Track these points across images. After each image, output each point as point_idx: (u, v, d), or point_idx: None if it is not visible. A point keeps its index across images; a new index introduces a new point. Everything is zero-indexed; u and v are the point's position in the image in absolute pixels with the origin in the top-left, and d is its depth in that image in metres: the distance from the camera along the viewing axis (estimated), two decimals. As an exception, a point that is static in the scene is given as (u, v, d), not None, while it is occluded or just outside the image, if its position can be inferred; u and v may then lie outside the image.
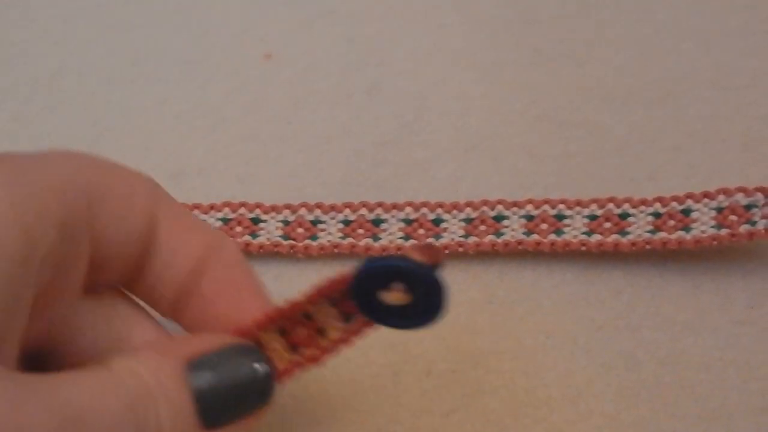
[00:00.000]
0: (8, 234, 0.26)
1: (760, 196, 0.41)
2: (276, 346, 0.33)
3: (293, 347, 0.33)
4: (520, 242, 0.42)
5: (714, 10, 0.49)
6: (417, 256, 0.31)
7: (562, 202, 0.42)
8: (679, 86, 0.47)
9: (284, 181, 0.45)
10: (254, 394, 0.31)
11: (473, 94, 0.47)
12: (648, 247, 0.41)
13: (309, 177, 0.45)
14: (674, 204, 0.42)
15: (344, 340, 0.33)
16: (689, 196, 0.41)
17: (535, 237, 0.42)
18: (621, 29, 0.49)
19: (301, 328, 0.33)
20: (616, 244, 0.41)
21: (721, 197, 0.41)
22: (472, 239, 0.42)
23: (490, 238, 0.42)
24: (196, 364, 0.30)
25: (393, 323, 0.32)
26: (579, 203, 0.42)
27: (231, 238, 0.35)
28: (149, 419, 0.28)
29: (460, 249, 0.42)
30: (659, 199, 0.42)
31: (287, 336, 0.33)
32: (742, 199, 0.41)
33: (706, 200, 0.41)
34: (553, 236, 0.42)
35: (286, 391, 0.37)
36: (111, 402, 0.27)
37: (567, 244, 0.42)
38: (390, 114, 0.47)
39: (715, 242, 0.40)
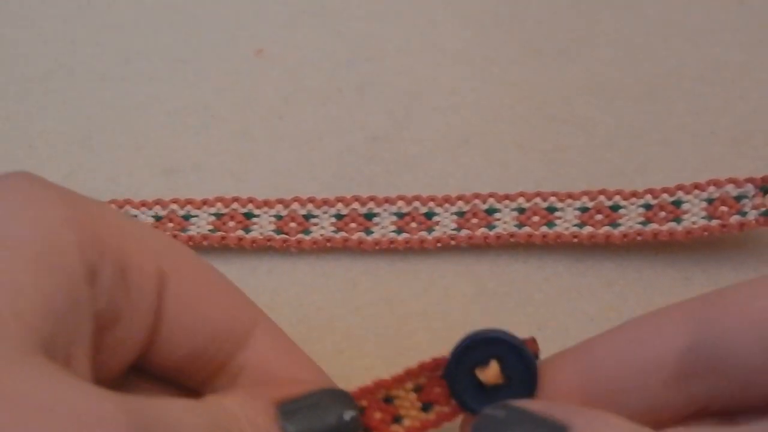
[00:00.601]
0: (71, 251, 0.28)
1: (750, 186, 0.41)
2: None
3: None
4: (512, 235, 0.42)
5: (702, 5, 0.49)
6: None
7: (554, 194, 0.43)
8: (668, 80, 0.47)
9: (276, 176, 0.45)
10: None
11: (464, 90, 0.48)
12: (639, 238, 0.41)
13: (301, 172, 0.45)
14: (665, 195, 0.42)
15: (418, 430, 0.34)
16: (680, 187, 0.42)
17: (526, 229, 0.42)
18: (610, 24, 0.49)
19: (376, 412, 0.34)
20: (608, 236, 0.41)
21: (712, 188, 0.41)
22: (464, 232, 0.42)
23: (482, 230, 0.42)
24: (286, 408, 0.30)
25: (478, 407, 0.32)
26: (570, 196, 0.42)
27: (262, 312, 0.35)
28: None
29: (452, 242, 0.42)
30: (650, 191, 0.42)
31: (362, 416, 0.34)
32: (732, 190, 0.41)
33: (696, 191, 0.41)
34: (544, 228, 0.42)
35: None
36: (197, 420, 0.27)
37: (558, 236, 0.42)
38: (381, 109, 0.47)
39: (705, 233, 0.40)
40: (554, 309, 0.41)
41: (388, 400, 0.34)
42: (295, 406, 0.30)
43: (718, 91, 0.47)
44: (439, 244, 0.42)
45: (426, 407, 0.34)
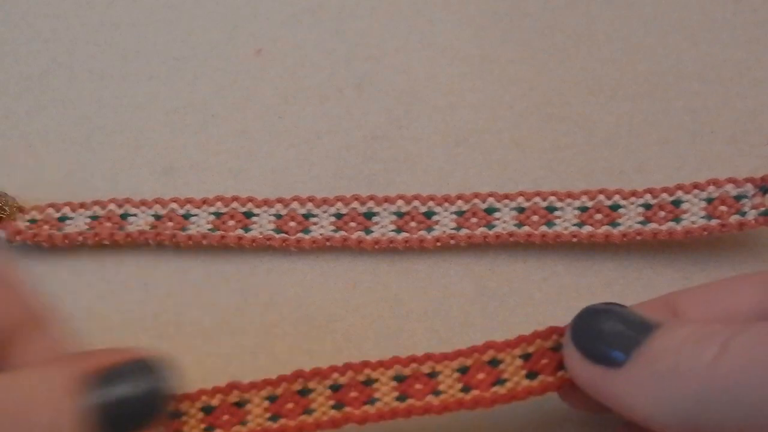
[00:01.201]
0: None
1: (749, 186, 0.41)
2: (449, 381, 0.35)
3: (467, 386, 0.35)
4: (511, 234, 0.42)
5: (700, 3, 0.49)
6: None
7: (553, 194, 0.43)
8: (666, 79, 0.47)
9: (276, 175, 0.45)
10: (146, 406, 0.32)
11: (463, 88, 0.48)
12: (639, 238, 0.41)
13: (300, 171, 0.45)
14: (664, 195, 0.42)
15: (517, 395, 0.35)
16: (679, 187, 0.42)
17: (526, 229, 0.42)
18: (609, 23, 0.49)
19: (480, 373, 0.35)
20: (607, 236, 0.41)
21: (711, 188, 0.41)
22: (463, 231, 0.42)
23: (481, 230, 0.42)
24: (92, 379, 0.31)
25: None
26: (570, 195, 0.42)
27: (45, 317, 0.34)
28: (24, 423, 0.29)
29: (452, 241, 0.42)
30: (649, 191, 0.42)
31: (465, 374, 0.35)
32: (731, 189, 0.41)
33: (696, 191, 0.41)
34: (544, 228, 0.42)
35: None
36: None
37: (558, 235, 0.42)
38: (380, 108, 0.47)
39: (705, 233, 0.40)
40: (554, 308, 0.41)
41: (493, 363, 0.35)
42: (102, 378, 0.31)
43: (717, 89, 0.47)
44: (438, 244, 0.42)
45: (531, 375, 0.35)
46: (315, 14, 0.50)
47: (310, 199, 0.43)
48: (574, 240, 0.42)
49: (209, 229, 0.43)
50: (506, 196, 0.43)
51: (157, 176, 0.45)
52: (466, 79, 0.48)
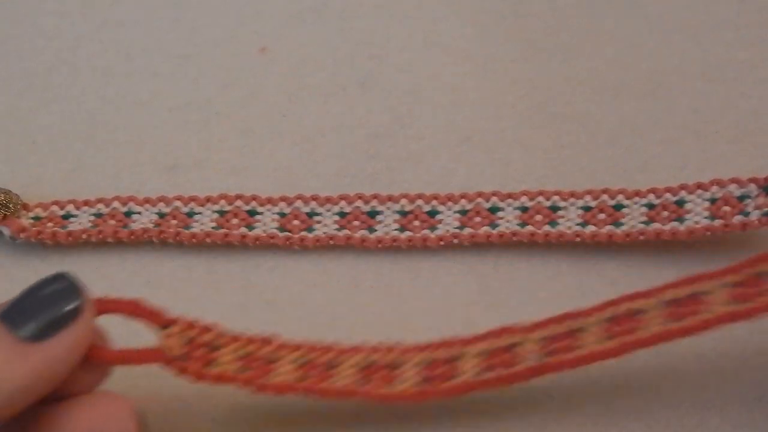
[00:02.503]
0: None
1: (753, 187, 0.41)
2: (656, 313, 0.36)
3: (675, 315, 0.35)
4: (514, 233, 0.42)
5: (704, 2, 0.49)
6: None
7: (557, 193, 0.43)
8: (670, 78, 0.47)
9: (279, 173, 0.45)
10: (53, 293, 0.33)
11: (466, 87, 0.48)
12: (642, 237, 0.41)
13: (304, 169, 0.45)
14: (668, 195, 0.42)
15: (728, 317, 0.35)
16: (683, 187, 0.42)
17: (529, 228, 0.42)
18: (612, 22, 0.49)
19: (689, 302, 0.35)
20: (611, 235, 0.41)
21: (715, 188, 0.41)
22: (467, 230, 0.42)
23: (485, 229, 0.42)
24: (8, 316, 0.32)
25: None
26: (573, 194, 0.43)
27: None
28: None
29: (455, 240, 0.42)
30: (653, 191, 0.42)
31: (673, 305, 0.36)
32: (735, 190, 0.41)
33: (699, 191, 0.42)
34: (547, 227, 0.42)
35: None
36: None
37: (561, 235, 0.42)
38: (383, 107, 0.47)
39: (708, 233, 0.41)
40: (557, 308, 0.41)
41: (704, 293, 0.35)
42: (17, 310, 0.32)
43: (721, 89, 0.47)
44: (442, 243, 0.42)
45: (739, 303, 0.35)
46: (319, 13, 0.50)
47: (314, 198, 0.44)
48: (578, 239, 0.42)
49: (213, 227, 0.43)
50: (510, 196, 0.43)
51: (160, 174, 0.45)
52: (469, 78, 0.48)
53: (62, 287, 0.33)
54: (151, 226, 0.43)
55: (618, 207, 0.42)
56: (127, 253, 0.43)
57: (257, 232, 0.43)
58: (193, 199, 0.44)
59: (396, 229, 0.43)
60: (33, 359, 0.31)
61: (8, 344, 0.31)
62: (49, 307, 0.32)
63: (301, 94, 0.48)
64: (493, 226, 0.42)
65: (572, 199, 0.42)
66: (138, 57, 0.49)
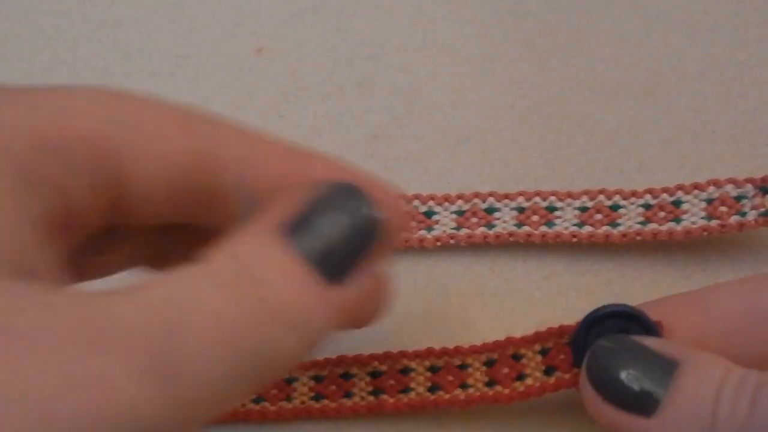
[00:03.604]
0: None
1: (750, 187, 0.41)
2: (477, 375, 0.36)
3: (490, 381, 0.36)
4: (511, 234, 0.42)
5: (702, 3, 0.49)
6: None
7: (553, 194, 0.43)
8: (667, 79, 0.47)
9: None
10: (363, 231, 0.28)
11: (463, 87, 0.48)
12: (639, 238, 0.41)
13: (301, 170, 0.45)
14: (665, 195, 0.42)
15: (537, 390, 0.35)
16: (679, 187, 0.42)
17: (526, 229, 0.42)
18: (610, 22, 0.49)
19: (504, 367, 0.36)
20: (607, 236, 0.41)
21: (712, 188, 0.41)
22: (463, 231, 0.42)
23: (481, 230, 0.42)
24: (291, 226, 0.27)
25: None
26: (570, 195, 0.42)
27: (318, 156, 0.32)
28: (266, 299, 0.25)
29: (452, 241, 0.42)
30: (650, 191, 0.42)
31: (491, 368, 0.36)
32: (732, 190, 0.41)
33: (696, 191, 0.41)
34: (544, 228, 0.42)
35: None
36: (209, 297, 0.24)
37: (558, 235, 0.42)
38: (381, 107, 0.47)
39: (705, 233, 0.40)
40: (553, 308, 0.41)
41: (516, 357, 0.36)
42: (301, 220, 0.27)
43: (718, 89, 0.47)
44: (438, 243, 0.42)
45: (548, 371, 0.36)
46: (316, 13, 0.50)
47: (311, 199, 0.44)
48: (574, 240, 0.42)
49: (210, 228, 0.43)
50: (506, 196, 0.43)
51: (158, 174, 0.45)
52: (467, 79, 0.48)
53: (359, 207, 0.28)
54: (148, 226, 0.43)
55: (615, 207, 0.42)
56: (125, 253, 0.43)
57: (254, 232, 0.43)
58: (190, 199, 0.44)
59: (393, 230, 0.43)
60: (333, 306, 0.27)
61: (306, 283, 0.26)
62: (351, 236, 0.27)
63: (298, 94, 0.48)
64: (490, 226, 0.42)
65: (569, 200, 0.42)
66: (136, 57, 0.49)
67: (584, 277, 0.42)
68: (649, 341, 0.33)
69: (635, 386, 0.31)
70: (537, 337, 0.36)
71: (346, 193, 0.28)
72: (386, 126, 0.46)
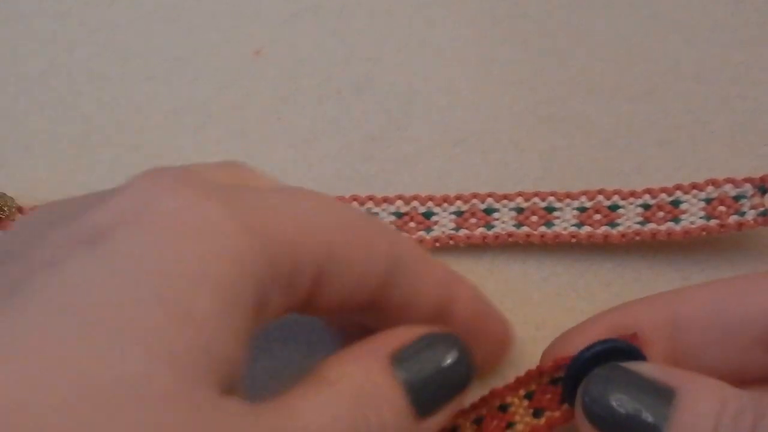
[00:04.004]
0: (244, 281, 0.27)
1: (748, 186, 0.41)
2: None
3: None
4: (510, 234, 0.42)
5: (699, 4, 0.49)
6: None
7: (552, 194, 0.43)
8: (665, 79, 0.47)
9: (275, 175, 0.45)
10: (456, 376, 0.32)
11: (461, 89, 0.48)
12: (638, 238, 0.41)
13: (299, 172, 0.45)
14: (663, 195, 0.42)
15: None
16: (678, 187, 0.42)
17: (525, 229, 0.42)
18: (608, 23, 0.49)
19: (493, 420, 0.35)
20: (606, 236, 0.41)
21: (710, 188, 0.41)
22: (462, 232, 0.42)
23: (480, 230, 0.42)
24: (399, 357, 0.31)
25: None
26: (569, 195, 0.42)
27: (463, 279, 0.36)
28: (373, 423, 0.29)
29: (451, 242, 0.42)
30: (648, 191, 0.42)
31: (481, 424, 0.35)
32: (730, 189, 0.41)
33: (695, 191, 0.41)
34: (543, 228, 0.42)
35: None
36: (340, 416, 0.29)
37: (557, 236, 0.42)
38: (379, 109, 0.47)
39: (704, 233, 0.40)
40: (552, 309, 0.41)
41: (502, 407, 0.35)
42: (405, 354, 0.31)
43: (716, 89, 0.47)
44: (437, 244, 0.42)
45: (537, 413, 0.35)
46: (314, 15, 0.50)
47: (309, 200, 0.43)
48: (573, 240, 0.42)
49: (208, 230, 0.43)
50: (505, 197, 0.43)
51: (156, 177, 0.45)
52: (464, 80, 0.48)
53: (460, 356, 0.33)
54: (146, 228, 0.43)
55: (614, 207, 0.42)
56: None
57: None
58: (188, 201, 0.44)
59: (391, 231, 0.43)
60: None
61: (409, 421, 0.31)
62: (449, 379, 0.32)
63: (296, 96, 0.48)
64: (489, 227, 0.42)
65: (568, 200, 0.42)
66: (133, 60, 0.49)
67: (583, 278, 0.42)
68: (644, 368, 0.32)
69: (633, 419, 0.31)
70: (519, 383, 0.35)
71: (452, 344, 0.32)
72: (384, 127, 0.46)
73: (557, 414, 0.35)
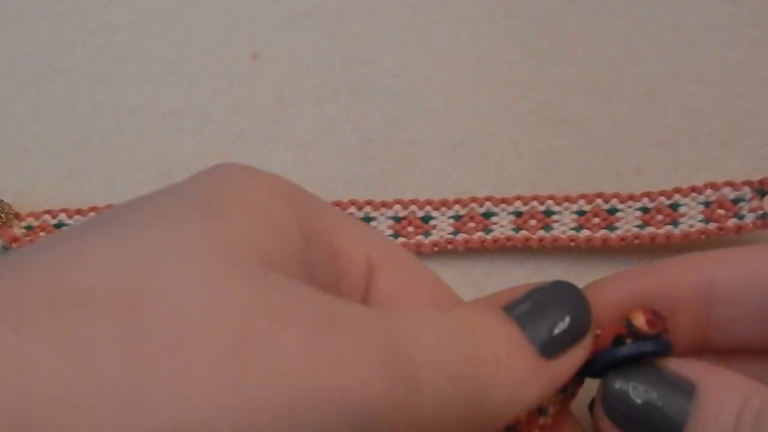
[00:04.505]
0: (291, 222, 0.28)
1: (747, 189, 0.41)
2: None
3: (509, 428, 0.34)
4: (509, 238, 0.42)
5: (697, 4, 0.49)
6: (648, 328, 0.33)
7: (551, 198, 0.43)
8: (663, 81, 0.47)
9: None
10: (579, 320, 0.31)
11: (459, 90, 0.48)
12: (636, 241, 0.41)
13: (297, 175, 0.45)
14: (662, 199, 0.42)
15: (560, 414, 0.34)
16: (677, 190, 0.42)
17: (523, 233, 0.42)
18: (605, 25, 0.49)
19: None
20: (605, 240, 0.41)
21: (709, 191, 0.41)
22: (461, 236, 0.42)
23: (479, 234, 0.42)
24: (513, 311, 0.30)
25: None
26: (567, 199, 0.42)
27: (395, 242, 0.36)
28: (486, 350, 0.28)
29: (449, 246, 0.42)
30: (647, 194, 0.42)
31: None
32: (729, 193, 0.41)
33: (693, 195, 0.41)
34: (541, 232, 0.42)
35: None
36: (453, 340, 0.28)
37: (556, 239, 0.42)
38: (377, 111, 0.47)
39: (703, 236, 0.40)
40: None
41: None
42: (523, 307, 0.31)
43: (714, 91, 0.46)
44: (435, 248, 0.42)
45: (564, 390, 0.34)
46: (311, 18, 0.50)
47: (308, 204, 0.43)
48: (572, 244, 0.42)
49: (206, 235, 0.43)
50: (503, 200, 0.43)
51: (153, 181, 0.45)
52: (462, 82, 0.48)
53: (575, 300, 0.32)
54: (144, 233, 0.43)
55: (612, 211, 0.42)
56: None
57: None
58: (186, 206, 0.44)
59: (390, 235, 0.43)
60: (544, 379, 0.30)
61: (528, 353, 0.30)
62: (567, 320, 0.31)
63: (293, 99, 0.48)
64: (488, 231, 0.42)
65: (566, 204, 0.42)
66: (130, 63, 0.49)
67: (582, 281, 0.41)
68: (665, 363, 0.32)
69: (653, 415, 0.31)
70: None
71: (565, 288, 0.32)
72: (382, 130, 0.46)
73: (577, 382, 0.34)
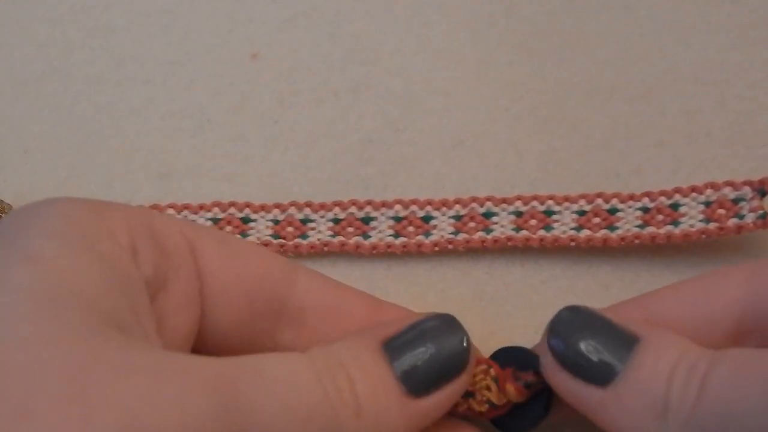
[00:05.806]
0: (107, 237, 0.29)
1: (747, 189, 0.41)
2: None
3: None
4: (509, 238, 0.42)
5: (696, 5, 0.49)
6: None
7: (551, 197, 0.43)
8: (662, 81, 0.47)
9: (272, 179, 0.45)
10: (451, 360, 0.32)
11: (458, 91, 0.48)
12: (637, 241, 0.41)
13: (296, 176, 0.45)
14: (662, 199, 0.42)
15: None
16: (677, 190, 0.42)
17: (524, 233, 0.42)
18: (604, 25, 0.49)
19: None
20: (605, 239, 0.41)
21: (709, 191, 0.41)
22: (461, 236, 0.42)
23: (479, 234, 0.42)
24: (392, 345, 0.32)
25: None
26: (567, 199, 0.42)
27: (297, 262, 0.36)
28: (343, 389, 0.29)
29: (450, 246, 0.42)
30: (647, 194, 0.42)
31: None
32: (729, 192, 0.41)
33: (694, 194, 0.41)
34: (542, 232, 0.42)
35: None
36: (294, 370, 0.28)
37: (556, 239, 0.42)
38: (376, 111, 0.47)
39: (703, 236, 0.40)
40: (551, 312, 0.40)
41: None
42: (400, 341, 0.32)
43: (713, 91, 0.46)
44: (436, 248, 0.42)
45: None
46: (310, 18, 0.50)
47: (308, 205, 0.43)
48: (572, 244, 0.42)
49: (206, 235, 0.43)
50: (504, 200, 0.43)
51: (153, 181, 0.45)
52: (461, 82, 0.48)
53: (452, 338, 0.33)
54: (144, 234, 0.43)
55: (612, 211, 0.42)
56: (121, 261, 0.43)
57: (251, 239, 0.43)
58: (186, 206, 0.44)
59: (390, 235, 0.43)
60: (407, 415, 0.31)
61: (391, 391, 0.31)
62: (438, 359, 0.32)
63: (293, 99, 0.48)
64: (488, 231, 0.42)
65: (567, 204, 0.42)
66: (129, 64, 0.49)
67: (582, 281, 0.42)
68: (610, 310, 0.34)
69: (594, 356, 0.32)
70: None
71: (446, 323, 0.34)
72: (381, 130, 0.46)
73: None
